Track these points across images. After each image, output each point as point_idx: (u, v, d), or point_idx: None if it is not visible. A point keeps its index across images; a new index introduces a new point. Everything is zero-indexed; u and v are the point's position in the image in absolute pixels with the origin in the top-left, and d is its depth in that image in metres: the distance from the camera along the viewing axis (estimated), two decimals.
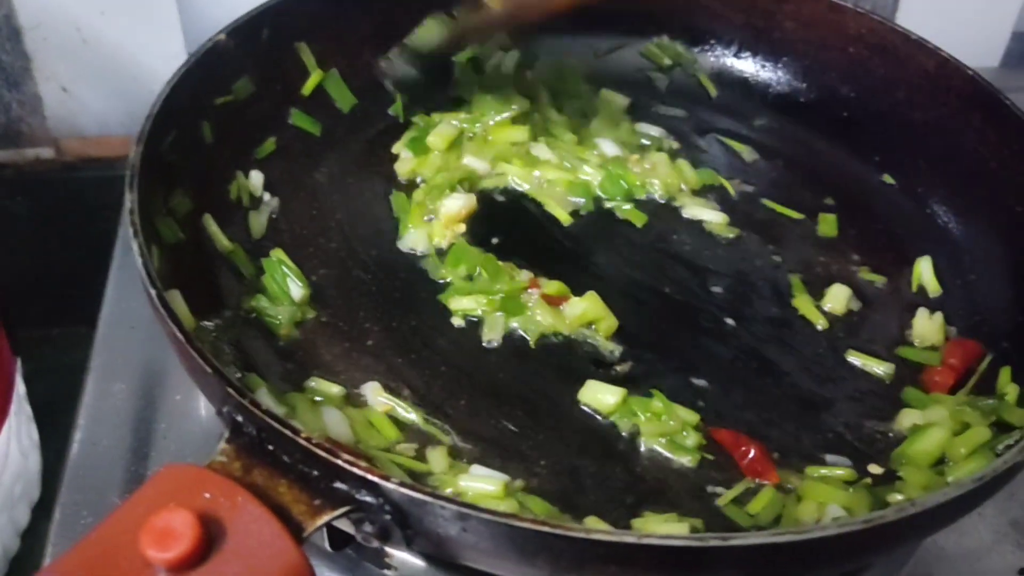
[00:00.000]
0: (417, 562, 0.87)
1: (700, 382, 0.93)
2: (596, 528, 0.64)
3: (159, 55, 1.34)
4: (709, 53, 1.25)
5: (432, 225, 1.05)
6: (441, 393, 0.90)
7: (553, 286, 0.97)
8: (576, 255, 1.04)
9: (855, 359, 0.96)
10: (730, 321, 0.98)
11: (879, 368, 0.95)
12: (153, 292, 0.77)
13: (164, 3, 1.31)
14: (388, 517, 0.67)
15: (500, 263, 0.98)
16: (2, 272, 1.30)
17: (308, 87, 1.14)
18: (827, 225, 1.09)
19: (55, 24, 1.33)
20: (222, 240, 0.98)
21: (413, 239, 1.04)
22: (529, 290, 0.96)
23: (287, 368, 0.90)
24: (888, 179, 1.13)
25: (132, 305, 1.10)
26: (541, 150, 1.12)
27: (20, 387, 1.30)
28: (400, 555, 0.88)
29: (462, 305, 0.97)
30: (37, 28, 1.32)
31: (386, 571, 0.89)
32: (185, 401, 1.01)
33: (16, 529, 1.24)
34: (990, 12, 1.50)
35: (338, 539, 0.85)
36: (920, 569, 0.91)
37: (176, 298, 0.84)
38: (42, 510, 1.27)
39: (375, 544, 0.70)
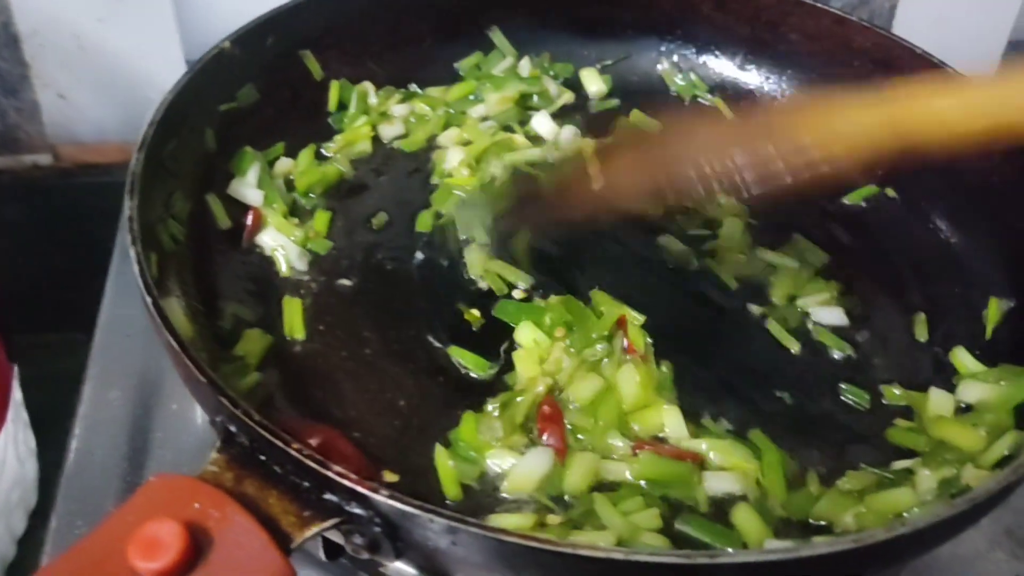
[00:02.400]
0: (412, 572, 0.87)
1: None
2: (584, 544, 0.63)
3: (157, 62, 1.34)
4: (713, 65, 1.24)
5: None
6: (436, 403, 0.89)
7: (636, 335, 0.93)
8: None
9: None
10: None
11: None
12: (149, 300, 0.77)
13: (162, 10, 1.32)
14: (377, 529, 0.67)
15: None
16: None
17: (332, 104, 1.15)
18: None
19: (53, 31, 1.33)
20: (224, 219, 1.00)
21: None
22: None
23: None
24: (891, 193, 1.12)
25: (129, 312, 1.09)
26: None
27: (17, 394, 1.30)
28: (395, 565, 0.87)
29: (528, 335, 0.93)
30: (35, 35, 1.32)
31: None
32: (182, 410, 1.00)
33: (12, 536, 1.24)
34: (986, 21, 1.50)
35: (332, 549, 0.85)
36: None
37: (173, 307, 0.84)
38: (38, 517, 1.27)
39: (365, 556, 0.69)
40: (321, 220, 1.05)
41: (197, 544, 0.61)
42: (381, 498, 0.65)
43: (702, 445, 0.86)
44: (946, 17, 1.47)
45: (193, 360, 0.72)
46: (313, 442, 0.83)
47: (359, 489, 0.65)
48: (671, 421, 0.87)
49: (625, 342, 0.92)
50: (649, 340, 0.93)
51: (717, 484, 0.84)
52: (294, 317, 0.95)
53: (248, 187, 1.03)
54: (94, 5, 1.32)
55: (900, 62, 1.12)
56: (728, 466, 0.85)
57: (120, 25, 1.34)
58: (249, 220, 1.01)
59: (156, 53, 1.36)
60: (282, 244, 1.01)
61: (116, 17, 1.33)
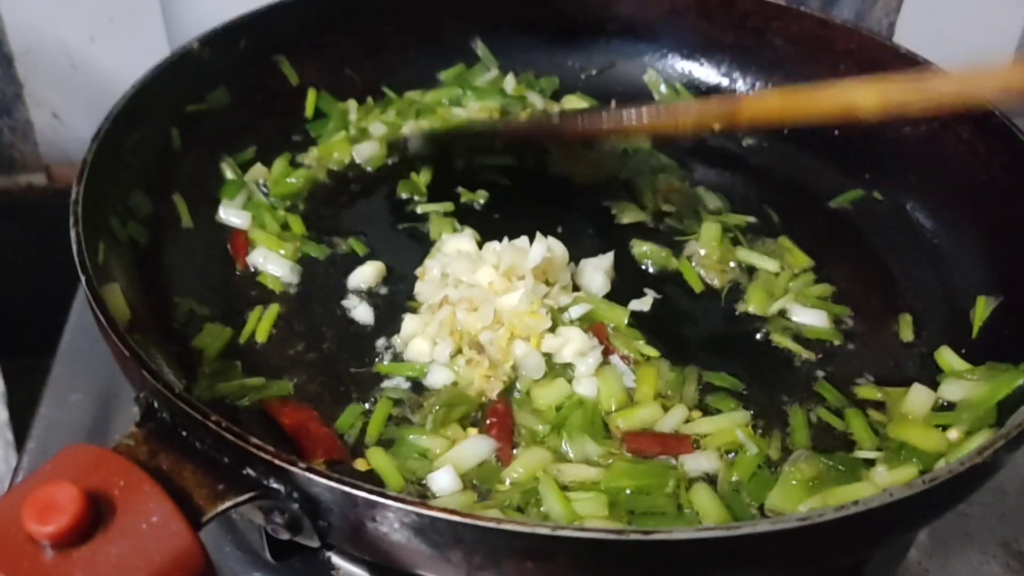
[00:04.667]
0: (363, 573, 0.83)
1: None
2: (508, 518, 0.59)
3: None
4: (699, 73, 1.22)
5: None
6: None
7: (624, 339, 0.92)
8: None
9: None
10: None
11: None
12: (83, 278, 0.75)
13: (153, 29, 1.32)
14: (296, 506, 0.64)
15: None
16: None
17: (309, 111, 1.14)
18: None
19: (46, 50, 1.34)
20: (188, 219, 0.99)
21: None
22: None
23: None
24: (878, 196, 1.08)
25: None
26: None
27: (2, 413, 1.29)
28: (347, 567, 0.84)
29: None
30: (28, 54, 1.34)
31: None
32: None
33: None
34: (989, 37, 1.46)
35: (279, 548, 0.82)
36: None
37: (114, 291, 0.82)
38: None
39: (286, 536, 0.66)
40: (296, 224, 1.03)
41: (98, 510, 0.58)
42: (298, 471, 0.62)
43: (697, 427, 0.84)
44: (947, 33, 1.43)
45: (119, 335, 0.70)
46: (286, 422, 0.82)
47: (276, 462, 0.62)
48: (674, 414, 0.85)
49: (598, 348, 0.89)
50: (642, 341, 0.91)
51: (695, 464, 0.81)
52: (265, 322, 0.93)
53: (236, 212, 1.03)
54: (86, 24, 1.33)
55: (886, 63, 1.09)
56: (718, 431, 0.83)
57: (112, 44, 1.35)
58: (230, 246, 1.00)
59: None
60: (273, 262, 0.99)
61: (107, 36, 1.34)
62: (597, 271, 0.97)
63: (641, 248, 1.03)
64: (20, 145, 1.43)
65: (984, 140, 0.99)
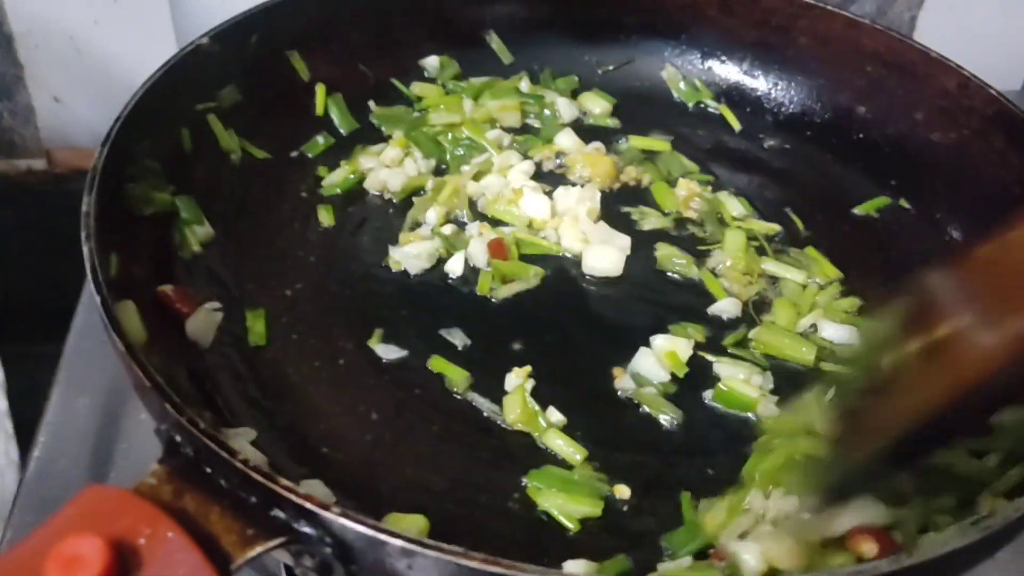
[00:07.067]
0: None
1: None
2: (554, 571, 0.58)
3: (153, 65, 1.30)
4: (719, 70, 1.19)
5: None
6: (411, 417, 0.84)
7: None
8: None
9: None
10: None
11: None
12: (98, 299, 0.73)
13: (158, 13, 1.28)
14: (328, 550, 0.62)
15: None
16: None
17: (319, 108, 1.10)
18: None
19: (48, 32, 1.30)
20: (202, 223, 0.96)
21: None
22: None
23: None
24: (905, 204, 1.06)
25: None
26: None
27: (1, 403, 1.26)
28: None
29: None
30: (29, 35, 1.29)
31: None
32: (149, 420, 0.95)
33: None
34: (1010, 34, 1.43)
35: None
36: None
37: (128, 309, 0.79)
38: None
39: None
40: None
41: (124, 563, 0.56)
42: (332, 516, 0.60)
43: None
44: (970, 29, 1.40)
45: (140, 363, 0.68)
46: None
47: (308, 506, 0.60)
48: None
49: None
50: None
51: None
52: (256, 324, 0.90)
53: None
54: (89, 6, 1.29)
55: (915, 66, 1.07)
56: None
57: (116, 27, 1.31)
58: None
59: (152, 56, 1.31)
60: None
61: (111, 19, 1.30)
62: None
63: (664, 251, 1.01)
64: (20, 129, 1.39)
65: (1018, 151, 0.97)
